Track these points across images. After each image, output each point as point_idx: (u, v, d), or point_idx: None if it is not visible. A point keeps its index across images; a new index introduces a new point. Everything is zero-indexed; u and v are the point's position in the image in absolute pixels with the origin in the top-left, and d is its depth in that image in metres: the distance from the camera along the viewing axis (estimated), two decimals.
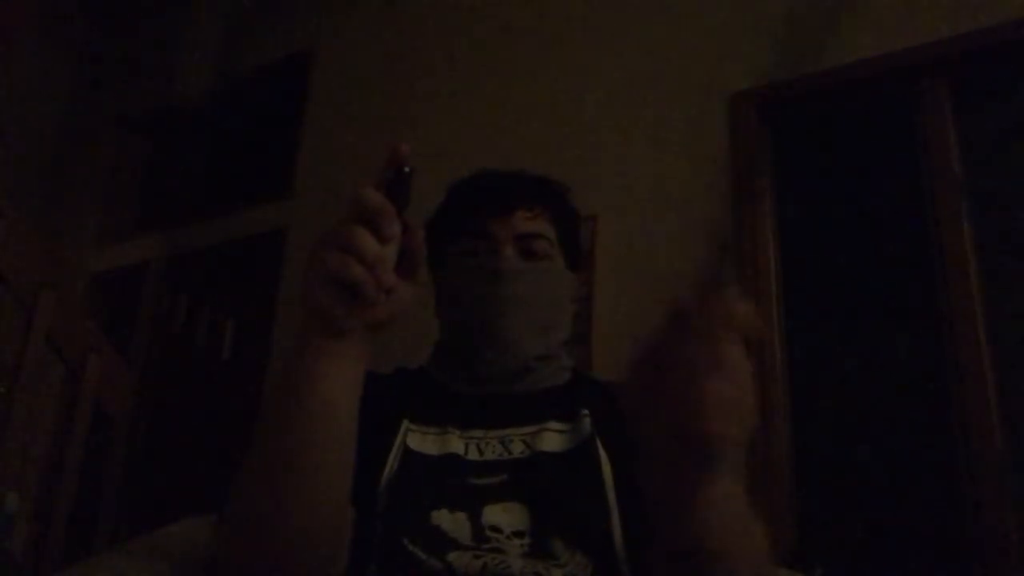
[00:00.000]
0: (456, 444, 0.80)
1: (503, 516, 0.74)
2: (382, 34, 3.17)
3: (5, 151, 3.60)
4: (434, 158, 2.70)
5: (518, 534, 0.73)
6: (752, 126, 2.16)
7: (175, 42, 3.74)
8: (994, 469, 1.65)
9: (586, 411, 0.83)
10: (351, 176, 2.97)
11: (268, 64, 3.55)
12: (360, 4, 3.29)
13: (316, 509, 0.61)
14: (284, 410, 0.61)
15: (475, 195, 0.92)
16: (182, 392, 3.20)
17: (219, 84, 3.62)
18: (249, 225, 3.24)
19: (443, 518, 0.73)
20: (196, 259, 3.42)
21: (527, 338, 0.86)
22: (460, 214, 0.91)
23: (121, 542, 0.86)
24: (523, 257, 0.88)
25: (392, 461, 0.78)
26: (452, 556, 0.70)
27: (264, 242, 3.13)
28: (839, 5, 2.11)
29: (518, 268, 0.87)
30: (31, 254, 1.98)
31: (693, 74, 2.30)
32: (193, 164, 3.76)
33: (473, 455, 0.80)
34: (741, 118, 2.17)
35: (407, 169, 0.59)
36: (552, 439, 0.81)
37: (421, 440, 0.81)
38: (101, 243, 3.81)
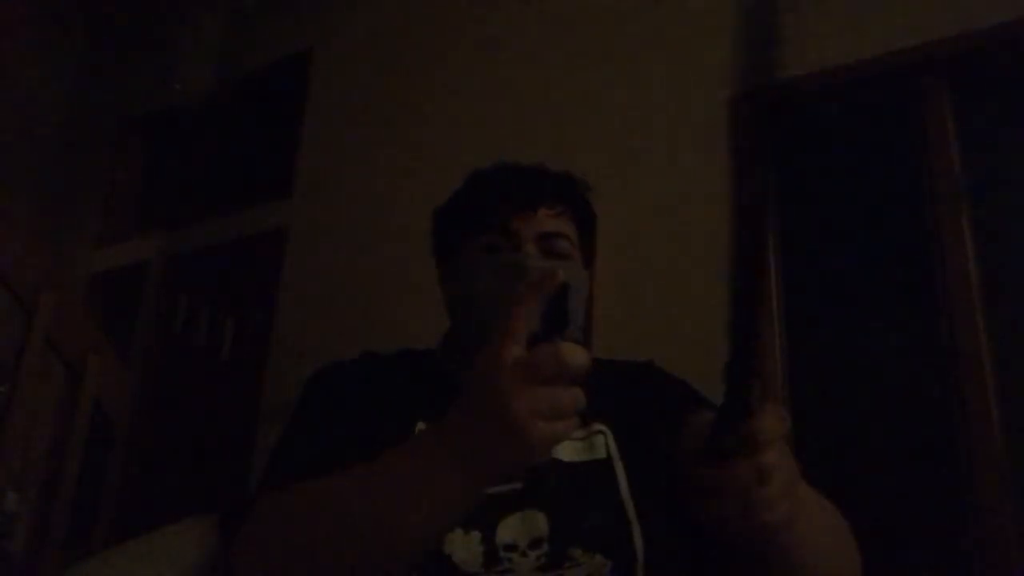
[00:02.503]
0: None
1: (519, 528, 0.72)
2: (382, 34, 3.16)
3: (5, 151, 3.60)
4: (434, 157, 2.71)
5: (535, 543, 0.71)
6: (752, 126, 2.16)
7: (175, 42, 3.73)
8: (994, 469, 1.65)
9: (600, 427, 0.81)
10: (351, 176, 2.96)
11: (268, 64, 3.54)
12: (360, 4, 3.29)
13: None
14: (390, 514, 0.59)
15: (498, 189, 0.88)
16: (182, 392, 3.19)
17: (219, 84, 3.61)
18: (249, 225, 3.24)
19: (456, 543, 0.71)
20: (196, 259, 3.42)
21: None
22: (481, 207, 0.87)
23: (121, 542, 0.86)
24: (544, 255, 0.86)
25: None
26: None
27: (264, 242, 3.13)
28: (839, 5, 2.11)
29: (544, 266, 0.84)
30: (31, 254, 1.97)
31: (693, 74, 2.30)
32: (193, 164, 3.76)
33: None
34: (741, 118, 2.17)
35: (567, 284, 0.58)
36: (566, 447, 0.79)
37: None
38: (101, 243, 3.81)
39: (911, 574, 1.70)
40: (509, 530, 0.72)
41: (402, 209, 2.62)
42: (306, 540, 0.62)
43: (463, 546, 0.71)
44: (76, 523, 2.17)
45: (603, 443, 0.80)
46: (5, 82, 3.62)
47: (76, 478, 2.08)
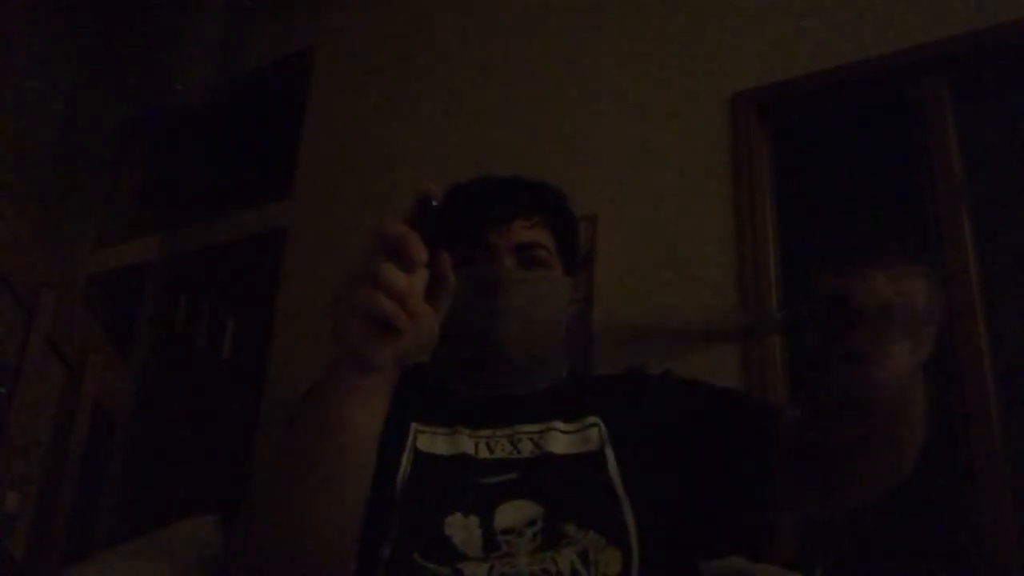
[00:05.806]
0: (466, 444, 0.81)
1: (515, 514, 0.74)
2: (382, 33, 3.16)
3: (5, 151, 3.60)
4: (435, 157, 2.71)
5: (530, 524, 0.74)
6: (752, 126, 2.16)
7: (175, 42, 3.74)
8: (994, 469, 1.65)
9: (594, 419, 0.83)
10: (351, 176, 2.97)
11: (268, 64, 3.54)
12: (360, 3, 3.29)
13: (333, 539, 0.63)
14: (313, 446, 0.61)
15: (474, 203, 0.91)
16: (182, 392, 3.19)
17: (219, 84, 3.61)
18: (249, 225, 3.24)
19: (455, 526, 0.73)
20: (196, 259, 3.42)
21: (524, 346, 0.86)
22: (458, 222, 0.90)
23: (121, 542, 0.86)
24: (521, 266, 0.88)
25: (405, 465, 0.78)
26: (461, 566, 0.71)
27: (264, 242, 3.13)
28: (839, 4, 2.11)
29: (516, 278, 0.87)
30: (31, 254, 1.98)
31: (693, 74, 2.30)
32: (193, 164, 3.76)
33: (483, 454, 0.80)
34: (741, 118, 2.17)
35: (434, 202, 0.60)
36: (559, 440, 0.81)
37: (431, 441, 0.82)
38: (101, 243, 3.81)
39: (911, 573, 1.70)
40: (506, 516, 0.74)
41: (402, 210, 2.62)
42: (275, 502, 0.63)
43: (462, 528, 0.73)
44: (76, 523, 2.17)
45: (596, 435, 0.82)
46: (5, 82, 3.63)
47: (76, 478, 2.08)
